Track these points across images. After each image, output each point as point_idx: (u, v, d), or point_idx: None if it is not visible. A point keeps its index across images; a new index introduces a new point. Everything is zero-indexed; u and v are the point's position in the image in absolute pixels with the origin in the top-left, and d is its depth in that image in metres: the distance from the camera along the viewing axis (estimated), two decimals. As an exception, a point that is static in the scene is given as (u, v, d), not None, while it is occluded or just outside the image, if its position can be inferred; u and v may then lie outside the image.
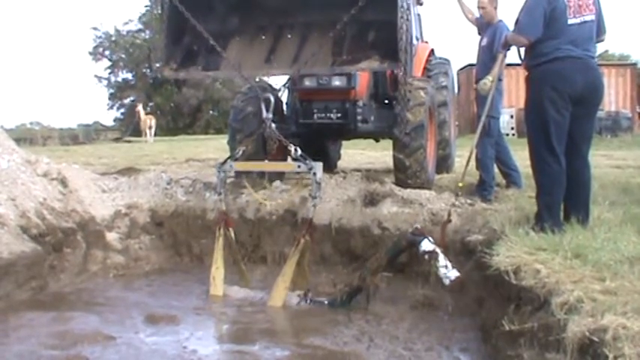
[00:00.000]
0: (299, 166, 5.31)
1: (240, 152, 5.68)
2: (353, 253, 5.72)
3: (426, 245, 4.60)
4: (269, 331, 4.45)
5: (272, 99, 5.66)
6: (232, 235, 5.50)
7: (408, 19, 5.33)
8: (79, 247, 5.65)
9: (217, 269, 5.27)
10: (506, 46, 4.96)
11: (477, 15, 6.97)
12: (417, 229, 4.87)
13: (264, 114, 5.56)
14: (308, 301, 4.96)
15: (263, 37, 5.95)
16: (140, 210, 6.35)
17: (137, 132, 27.26)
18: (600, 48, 4.63)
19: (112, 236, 6.03)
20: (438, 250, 4.58)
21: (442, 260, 4.52)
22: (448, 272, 4.47)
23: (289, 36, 5.88)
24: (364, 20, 5.40)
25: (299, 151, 5.32)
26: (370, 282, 4.74)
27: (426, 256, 4.59)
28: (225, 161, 5.58)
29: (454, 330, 4.26)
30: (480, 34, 6.90)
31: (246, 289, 5.36)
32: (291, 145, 5.39)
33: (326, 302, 4.94)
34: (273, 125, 5.62)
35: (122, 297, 5.22)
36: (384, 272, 4.83)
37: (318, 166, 5.18)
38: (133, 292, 5.41)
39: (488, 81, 6.22)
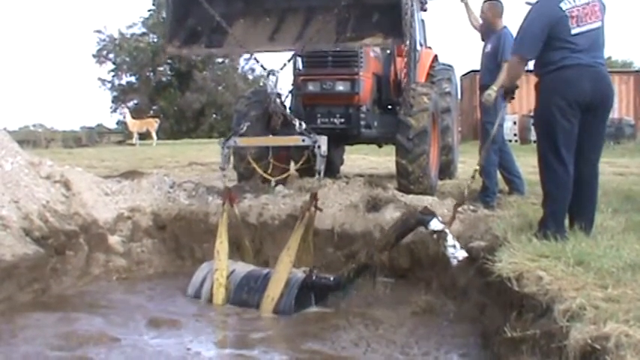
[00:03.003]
0: (303, 140, 5.25)
1: (245, 128, 5.62)
2: (355, 258, 5.71)
3: (435, 224, 4.53)
4: (269, 336, 4.46)
5: (278, 74, 5.55)
6: (236, 211, 5.50)
7: None
8: (81, 250, 5.65)
9: (221, 243, 5.27)
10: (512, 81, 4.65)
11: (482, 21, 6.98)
12: (425, 209, 4.81)
13: (270, 88, 5.48)
14: (314, 278, 4.92)
15: (267, 19, 5.98)
16: (143, 213, 6.34)
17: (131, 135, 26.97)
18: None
19: (114, 239, 6.02)
20: (446, 229, 4.52)
21: (450, 240, 4.45)
22: (456, 252, 4.40)
23: (293, 18, 5.91)
24: (368, 3, 5.45)
25: (303, 125, 5.26)
26: (377, 259, 4.71)
27: (435, 236, 4.53)
28: (229, 137, 5.55)
29: (454, 336, 4.25)
30: (483, 39, 6.91)
31: (251, 264, 5.40)
32: (296, 119, 5.37)
33: (332, 279, 4.92)
34: (278, 100, 5.56)
35: (125, 300, 5.22)
36: (385, 278, 4.80)
37: (323, 140, 5.13)
38: (135, 295, 5.42)
39: (492, 91, 6.19)
